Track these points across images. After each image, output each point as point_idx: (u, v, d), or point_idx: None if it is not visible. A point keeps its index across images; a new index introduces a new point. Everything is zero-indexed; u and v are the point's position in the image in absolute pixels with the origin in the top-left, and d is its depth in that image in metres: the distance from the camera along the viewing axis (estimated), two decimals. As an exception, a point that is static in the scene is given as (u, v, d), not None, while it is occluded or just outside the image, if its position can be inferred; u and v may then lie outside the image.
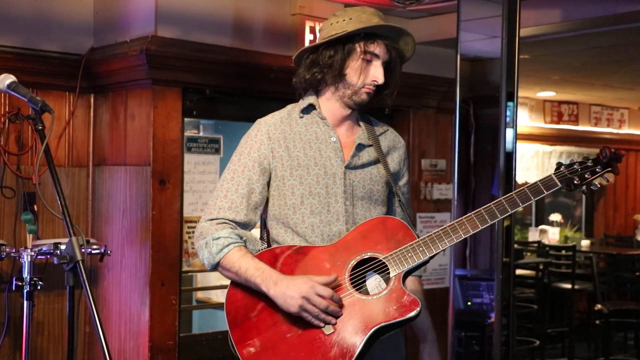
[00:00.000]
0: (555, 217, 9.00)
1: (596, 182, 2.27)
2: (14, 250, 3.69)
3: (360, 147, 2.41)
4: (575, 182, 2.25)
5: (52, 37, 4.30)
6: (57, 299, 4.33)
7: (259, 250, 2.34)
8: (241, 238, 2.29)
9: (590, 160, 2.26)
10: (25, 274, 3.54)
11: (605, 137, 9.56)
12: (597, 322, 6.98)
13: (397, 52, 2.39)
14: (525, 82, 7.21)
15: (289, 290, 2.16)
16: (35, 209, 4.19)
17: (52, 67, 4.27)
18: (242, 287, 2.27)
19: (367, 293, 2.24)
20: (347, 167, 2.37)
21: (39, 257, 3.66)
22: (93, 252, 3.83)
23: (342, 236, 2.31)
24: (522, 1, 3.83)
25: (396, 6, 3.94)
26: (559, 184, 2.25)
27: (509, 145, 3.84)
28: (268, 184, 2.36)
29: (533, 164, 8.88)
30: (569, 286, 7.45)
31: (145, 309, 4.09)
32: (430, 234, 2.26)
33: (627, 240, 9.39)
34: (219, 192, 2.34)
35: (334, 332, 2.19)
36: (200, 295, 5.44)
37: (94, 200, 4.50)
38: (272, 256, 2.29)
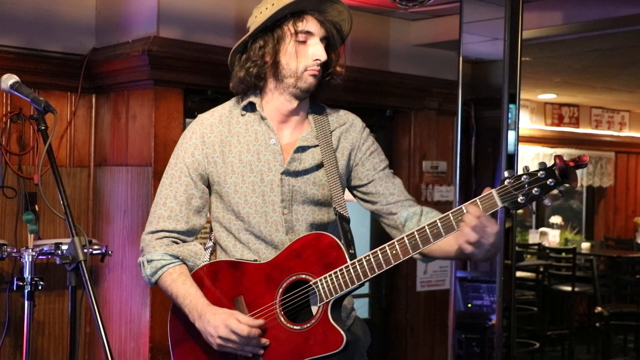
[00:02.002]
0: (556, 219, 9.00)
1: (549, 198, 1.88)
2: (15, 250, 3.69)
3: (301, 149, 2.21)
4: (519, 200, 1.88)
5: (54, 38, 4.30)
6: (57, 299, 4.33)
7: (202, 263, 2.24)
8: (177, 257, 2.20)
9: (541, 171, 1.88)
10: (26, 274, 3.54)
11: (605, 139, 9.56)
12: (597, 324, 6.98)
13: (332, 24, 2.19)
14: (526, 84, 7.21)
15: (209, 327, 2.08)
16: (37, 209, 4.19)
17: (53, 67, 4.27)
18: None
19: (302, 319, 2.11)
20: (285, 172, 2.19)
21: (40, 257, 3.66)
22: (94, 252, 3.82)
23: (284, 245, 2.18)
24: (524, 3, 3.83)
25: (398, 8, 3.95)
26: (499, 204, 1.91)
27: (510, 148, 3.84)
28: (209, 185, 2.25)
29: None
30: (569, 288, 7.45)
31: (146, 310, 4.09)
32: (360, 257, 2.06)
33: (628, 242, 9.39)
34: (158, 198, 2.24)
35: None
36: (200, 296, 5.43)
37: (95, 201, 4.50)
38: (211, 272, 2.20)
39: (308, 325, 2.08)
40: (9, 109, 4.16)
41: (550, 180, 1.87)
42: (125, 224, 4.26)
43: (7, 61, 4.06)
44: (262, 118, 2.21)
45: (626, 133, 9.86)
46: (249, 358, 2.12)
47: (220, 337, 2.06)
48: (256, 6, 2.24)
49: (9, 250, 3.66)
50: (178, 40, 4.12)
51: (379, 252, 2.04)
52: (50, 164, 2.21)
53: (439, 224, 1.97)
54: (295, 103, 2.20)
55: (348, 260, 2.07)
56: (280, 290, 2.12)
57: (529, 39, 4.63)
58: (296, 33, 2.14)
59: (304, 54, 2.15)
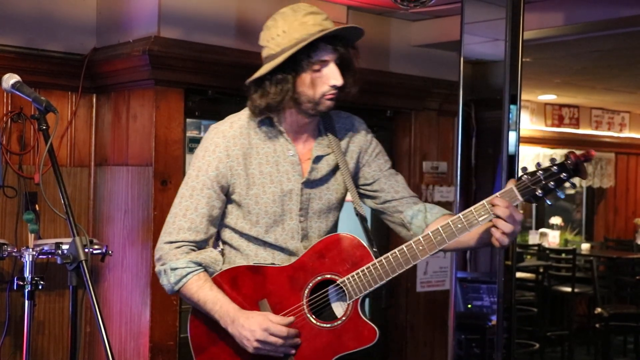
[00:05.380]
0: (556, 220, 9.00)
1: (562, 190, 2.05)
2: (15, 250, 3.70)
3: (317, 159, 2.31)
4: (538, 193, 2.04)
5: (54, 37, 4.30)
6: (58, 298, 4.33)
7: (221, 269, 2.28)
8: (200, 264, 2.23)
9: (555, 167, 2.04)
10: (27, 274, 3.54)
11: (606, 140, 9.56)
12: (597, 325, 6.98)
13: (344, 45, 2.23)
14: (527, 85, 7.19)
15: (244, 331, 2.13)
16: (37, 208, 4.19)
17: (54, 67, 4.27)
18: (203, 313, 2.25)
19: (328, 318, 2.20)
20: (305, 183, 2.29)
21: (40, 256, 3.67)
22: (94, 252, 3.83)
23: (298, 252, 2.27)
24: (525, 4, 3.83)
25: (399, 8, 3.94)
26: (520, 197, 2.06)
27: (511, 148, 3.84)
28: (227, 195, 2.30)
29: (533, 167, 8.87)
30: (569, 289, 7.45)
31: (146, 309, 4.09)
32: (387, 255, 2.16)
33: (627, 243, 9.38)
34: (177, 209, 2.27)
35: None
36: (200, 296, 5.42)
37: (95, 200, 4.50)
38: (230, 278, 2.24)
39: (339, 322, 2.18)
40: (9, 109, 4.16)
41: (563, 174, 2.02)
42: (126, 224, 4.26)
43: (8, 61, 4.06)
44: (281, 132, 2.29)
45: (626, 134, 9.86)
46: (281, 358, 2.17)
47: (257, 340, 2.12)
48: (266, 25, 2.26)
49: (9, 249, 3.67)
50: (179, 40, 4.12)
51: (404, 248, 2.15)
52: (52, 163, 2.20)
53: (463, 219, 2.09)
54: (311, 119, 2.29)
55: (374, 258, 2.17)
56: (307, 291, 2.20)
57: (529, 40, 4.62)
58: (311, 64, 2.18)
59: (320, 81, 2.20)
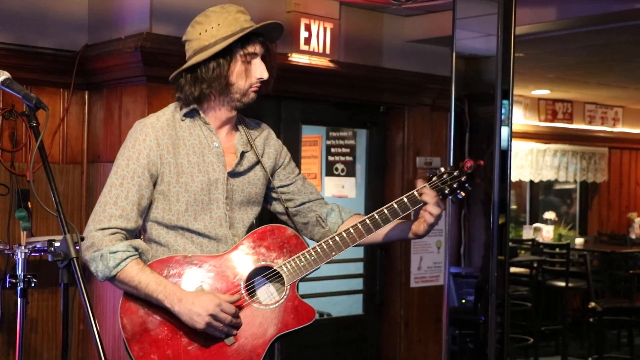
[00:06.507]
0: (550, 215, 9.02)
1: (462, 192, 2.42)
2: (7, 248, 3.69)
3: (242, 154, 2.44)
4: (446, 191, 2.40)
5: (46, 34, 4.28)
6: (50, 296, 4.32)
7: (152, 259, 2.33)
8: (137, 250, 2.27)
9: (456, 171, 2.41)
10: (19, 271, 3.54)
11: (599, 135, 9.58)
12: (591, 319, 7.00)
13: (269, 40, 2.43)
14: (520, 80, 7.21)
15: (195, 307, 2.20)
16: (29, 206, 4.18)
17: (46, 63, 4.26)
18: (136, 299, 2.27)
19: (266, 302, 2.32)
20: (230, 173, 2.40)
21: (32, 254, 3.66)
22: (87, 249, 3.81)
23: (227, 239, 2.37)
24: (518, -1, 3.83)
25: (392, 4, 3.94)
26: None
27: (504, 143, 3.84)
28: (154, 185, 2.37)
29: (527, 162, 8.89)
30: (562, 284, 7.47)
31: (140, 307, 4.08)
32: (320, 242, 2.38)
33: (621, 238, 9.40)
34: (107, 198, 2.32)
35: (235, 342, 2.26)
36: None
37: (88, 197, 4.49)
38: (165, 267, 2.29)
39: (278, 303, 2.32)
40: (0, 106, 4.15)
41: (463, 177, 2.41)
42: (119, 221, 4.25)
43: (-1, 57, 4.05)
44: (206, 123, 2.41)
45: (619, 129, 9.88)
46: (220, 339, 2.26)
47: (210, 315, 2.19)
48: (196, 21, 2.42)
49: (1, 247, 3.67)
50: (171, 37, 4.11)
51: (336, 236, 2.37)
52: (42, 161, 2.20)
53: (396, 206, 2.37)
54: (234, 113, 2.44)
55: (307, 245, 2.39)
56: (245, 277, 2.32)
57: (522, 35, 4.63)
58: (245, 55, 2.36)
59: (249, 73, 2.37)
